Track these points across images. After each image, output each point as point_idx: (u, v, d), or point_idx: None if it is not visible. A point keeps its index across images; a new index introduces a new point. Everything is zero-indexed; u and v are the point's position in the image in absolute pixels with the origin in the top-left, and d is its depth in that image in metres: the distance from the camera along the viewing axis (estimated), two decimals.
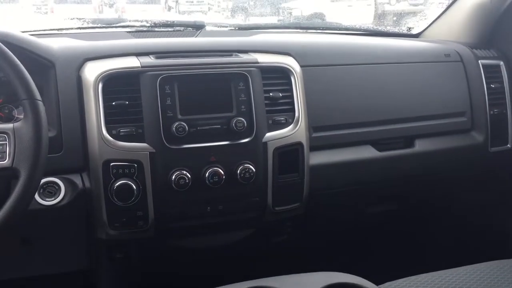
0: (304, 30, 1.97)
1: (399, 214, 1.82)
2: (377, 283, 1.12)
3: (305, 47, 1.58)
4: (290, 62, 1.44)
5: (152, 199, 1.28)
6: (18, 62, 1.04)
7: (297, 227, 1.56)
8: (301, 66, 1.47)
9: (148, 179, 1.26)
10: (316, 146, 1.48)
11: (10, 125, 1.02)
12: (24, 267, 1.44)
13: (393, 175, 1.64)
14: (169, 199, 1.29)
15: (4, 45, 1.04)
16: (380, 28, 2.16)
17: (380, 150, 1.59)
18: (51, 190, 1.24)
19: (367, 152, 1.58)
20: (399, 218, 1.86)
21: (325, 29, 2.03)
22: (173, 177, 1.27)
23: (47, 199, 1.23)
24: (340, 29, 2.03)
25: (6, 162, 0.99)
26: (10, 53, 1.04)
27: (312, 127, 1.47)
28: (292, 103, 1.41)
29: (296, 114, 1.41)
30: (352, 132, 1.56)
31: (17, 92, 1.03)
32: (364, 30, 2.06)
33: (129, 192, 1.24)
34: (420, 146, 1.64)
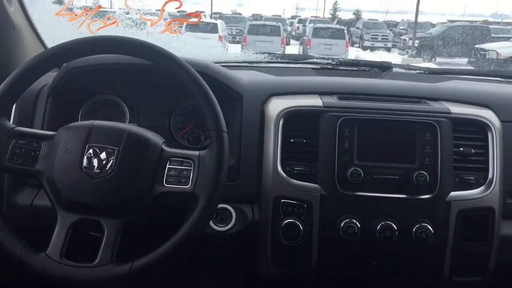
0: (506, 79, 1.75)
1: None
2: None
3: (508, 99, 1.39)
4: (488, 116, 1.29)
5: (317, 243, 1.24)
6: (211, 94, 1.10)
7: None
8: (501, 121, 1.30)
9: (316, 221, 1.23)
10: (511, 214, 1.28)
11: (196, 153, 1.08)
12: (184, 284, 1.52)
13: None
14: (334, 246, 1.24)
15: (201, 76, 1.12)
16: None
17: None
18: (223, 216, 1.29)
19: None
20: None
21: None
22: (342, 224, 1.21)
23: (219, 225, 1.28)
24: None
25: (188, 187, 1.05)
26: (206, 84, 1.11)
27: (508, 192, 1.28)
28: (486, 162, 1.25)
29: (490, 175, 1.24)
30: None
31: (206, 121, 1.09)
32: None
33: (296, 232, 1.22)
34: None
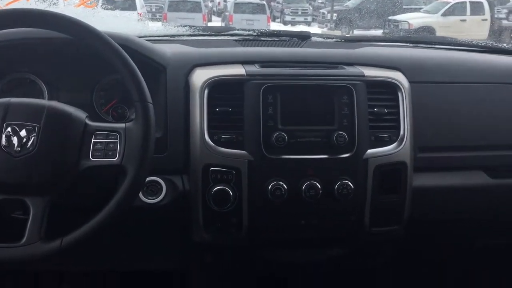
0: (414, 44, 1.87)
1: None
2: None
3: (416, 62, 1.50)
4: (398, 77, 1.38)
5: (248, 207, 1.28)
6: (134, 66, 1.09)
7: (396, 252, 1.48)
8: (410, 82, 1.40)
9: (244, 187, 1.27)
10: (421, 167, 1.40)
11: (122, 125, 1.07)
12: (119, 260, 1.52)
13: (507, 206, 1.50)
14: (264, 209, 1.29)
15: (123, 49, 1.11)
16: (499, 45, 1.99)
17: (493, 177, 1.46)
18: (153, 189, 1.29)
19: (478, 179, 1.46)
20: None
21: (438, 44, 1.92)
22: (270, 187, 1.26)
23: (149, 197, 1.28)
24: (454, 45, 1.90)
25: (116, 159, 1.05)
26: (128, 57, 1.10)
27: (418, 147, 1.39)
28: (398, 120, 1.35)
29: (401, 132, 1.34)
30: (462, 155, 1.45)
31: (131, 93, 1.09)
32: (480, 46, 1.91)
33: (226, 198, 1.26)
34: None
